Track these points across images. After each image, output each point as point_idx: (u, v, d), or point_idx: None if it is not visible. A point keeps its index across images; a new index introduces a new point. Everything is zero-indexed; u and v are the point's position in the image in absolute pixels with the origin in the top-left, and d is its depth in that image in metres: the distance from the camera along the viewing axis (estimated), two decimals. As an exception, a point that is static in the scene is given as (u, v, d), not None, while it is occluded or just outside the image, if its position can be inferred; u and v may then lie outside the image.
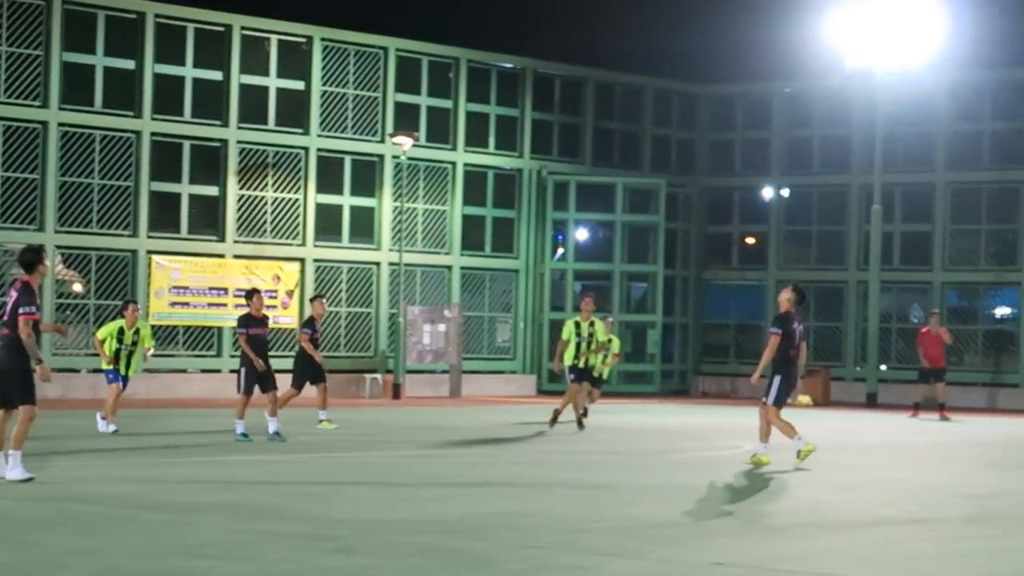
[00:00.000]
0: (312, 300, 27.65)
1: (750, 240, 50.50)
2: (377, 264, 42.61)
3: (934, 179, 46.76)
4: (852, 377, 46.69)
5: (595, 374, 29.20)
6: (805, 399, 40.39)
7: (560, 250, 46.97)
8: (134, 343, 24.08)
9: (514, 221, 45.82)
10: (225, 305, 38.94)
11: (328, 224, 41.94)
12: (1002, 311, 47.12)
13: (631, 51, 51.57)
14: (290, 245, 41.11)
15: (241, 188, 40.26)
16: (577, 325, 26.82)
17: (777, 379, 19.82)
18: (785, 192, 49.30)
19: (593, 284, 46.27)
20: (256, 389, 22.99)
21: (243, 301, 24.80)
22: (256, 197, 40.56)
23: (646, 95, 49.04)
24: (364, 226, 42.66)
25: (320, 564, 10.98)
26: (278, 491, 15.80)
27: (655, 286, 47.66)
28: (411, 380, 41.51)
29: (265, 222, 40.79)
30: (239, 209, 40.22)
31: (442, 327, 42.41)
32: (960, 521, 14.33)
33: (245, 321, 23.35)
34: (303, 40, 41.71)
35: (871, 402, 42.61)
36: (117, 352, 23.94)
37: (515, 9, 56.90)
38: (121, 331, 23.98)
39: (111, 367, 24.00)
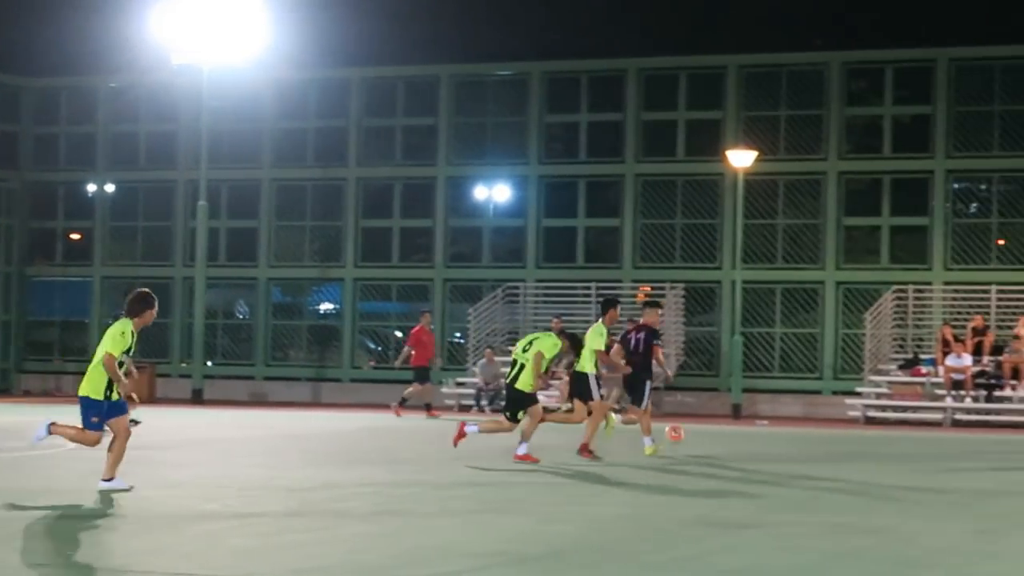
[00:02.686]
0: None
1: (75, 236, 49.55)
2: None
3: (260, 176, 47.40)
4: (178, 373, 46.63)
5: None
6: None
7: None
8: None
9: None
10: None
11: None
12: (326, 306, 48.20)
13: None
14: None
15: None
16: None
17: (648, 384, 23.35)
18: (111, 187, 48.69)
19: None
20: None
21: None
22: None
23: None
24: None
25: None
26: None
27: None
28: None
29: None
30: None
31: None
32: (281, 515, 14.49)
33: None
34: None
35: (197, 398, 42.53)
36: None
37: None
38: None
39: None
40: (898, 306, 41.73)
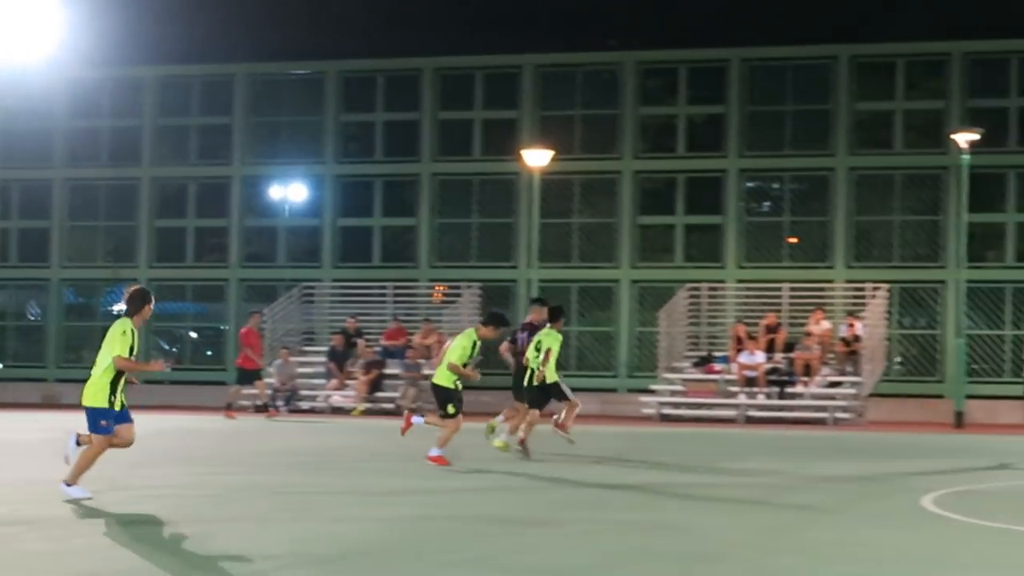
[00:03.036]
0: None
1: None
2: None
3: (52, 175, 46.55)
4: (-32, 377, 45.69)
5: None
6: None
7: None
8: None
9: None
10: None
11: None
12: (120, 307, 47.45)
13: None
14: None
15: None
16: None
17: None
18: None
19: None
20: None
21: None
22: None
23: None
24: None
25: None
26: None
27: None
28: None
29: None
30: None
31: None
32: (74, 519, 14.19)
33: None
34: None
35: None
36: None
37: None
38: None
39: None
40: (692, 304, 42.31)
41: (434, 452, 21.07)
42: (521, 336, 24.20)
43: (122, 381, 15.74)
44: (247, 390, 37.93)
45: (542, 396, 22.87)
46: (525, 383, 23.19)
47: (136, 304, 16.05)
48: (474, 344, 21.20)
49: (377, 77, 46.08)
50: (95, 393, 15.68)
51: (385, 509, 15.48)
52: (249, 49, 47.10)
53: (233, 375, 39.60)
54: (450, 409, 21.12)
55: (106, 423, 15.67)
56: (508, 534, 13.38)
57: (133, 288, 16.46)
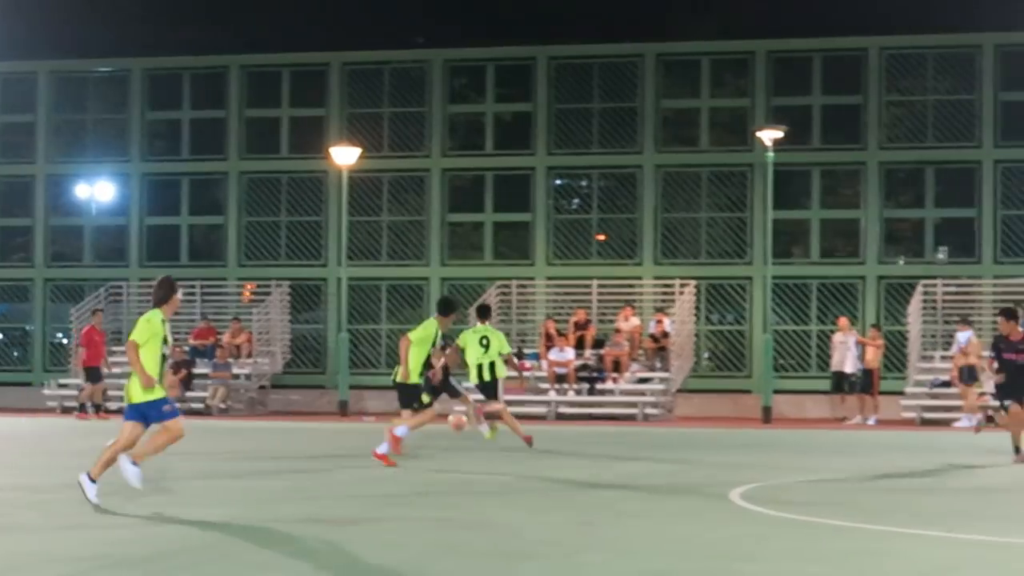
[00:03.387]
0: None
1: None
2: None
3: None
4: None
5: None
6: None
7: None
8: None
9: None
10: None
11: None
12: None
13: None
14: None
15: None
16: None
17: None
18: None
19: None
20: None
21: None
22: None
23: None
24: None
25: None
26: None
27: None
28: None
29: None
30: None
31: None
32: None
33: None
34: None
35: None
36: None
37: None
38: None
39: None
40: (502, 301, 42.43)
41: (398, 431, 21.65)
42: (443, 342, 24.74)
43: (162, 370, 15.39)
44: (87, 389, 37.64)
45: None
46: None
47: (163, 293, 15.67)
48: (436, 333, 22.65)
49: (183, 75, 45.51)
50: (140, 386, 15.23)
51: (199, 510, 15.27)
52: (52, 46, 46.27)
53: (36, 377, 38.94)
54: (424, 399, 22.19)
55: (169, 407, 15.32)
56: (322, 534, 13.27)
57: (161, 278, 15.96)
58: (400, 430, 21.64)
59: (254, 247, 44.72)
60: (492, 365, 25.41)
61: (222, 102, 45.12)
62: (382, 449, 21.30)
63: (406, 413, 22.46)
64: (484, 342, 25.28)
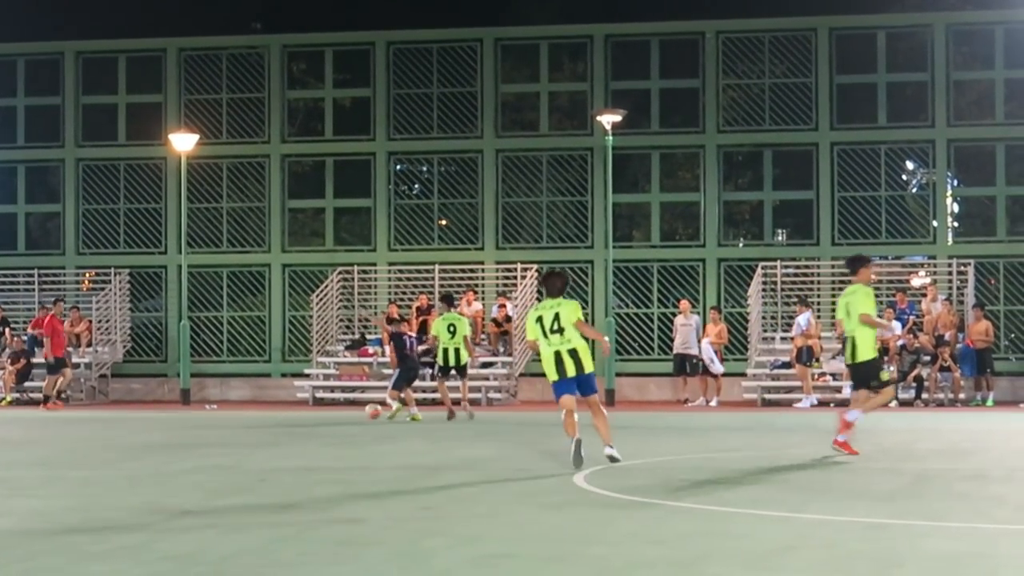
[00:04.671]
0: None
1: None
2: None
3: None
4: None
5: None
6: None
7: None
8: None
9: None
10: None
11: None
12: None
13: None
14: None
15: None
16: None
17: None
18: None
19: None
20: None
21: None
22: None
23: None
24: None
25: None
26: None
27: None
28: None
29: None
30: None
31: None
32: None
33: None
34: None
35: None
36: None
37: None
38: None
39: None
40: (344, 287, 42.30)
41: (850, 415, 19.74)
42: (408, 337, 29.67)
43: None
44: (50, 379, 37.30)
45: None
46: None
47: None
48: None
49: (17, 60, 44.75)
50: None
51: (39, 501, 15.04)
52: None
53: None
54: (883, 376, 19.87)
55: None
56: (163, 523, 13.13)
57: None
58: (852, 415, 19.74)
59: (92, 235, 44.13)
60: (457, 351, 30.14)
61: (57, 89, 44.44)
62: (842, 437, 19.76)
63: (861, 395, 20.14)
64: (451, 329, 29.98)
